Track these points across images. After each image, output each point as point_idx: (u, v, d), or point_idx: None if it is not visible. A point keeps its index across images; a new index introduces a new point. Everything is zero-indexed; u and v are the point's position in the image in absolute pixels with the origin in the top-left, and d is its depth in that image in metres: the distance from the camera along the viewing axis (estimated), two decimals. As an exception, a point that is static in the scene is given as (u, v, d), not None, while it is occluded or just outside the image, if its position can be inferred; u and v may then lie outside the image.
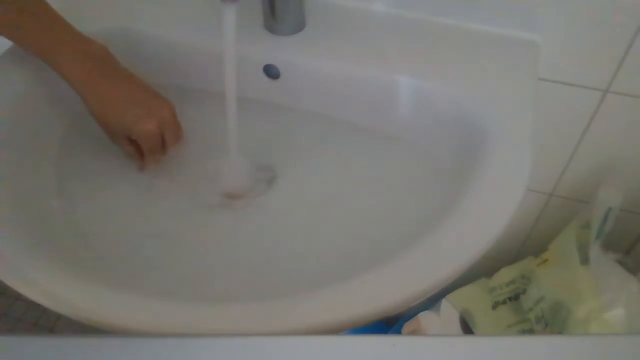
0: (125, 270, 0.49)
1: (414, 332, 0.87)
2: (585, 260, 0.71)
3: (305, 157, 0.59)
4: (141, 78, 0.54)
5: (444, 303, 0.87)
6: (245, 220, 0.55)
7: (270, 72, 0.58)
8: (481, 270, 0.90)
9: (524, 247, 0.88)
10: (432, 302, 0.90)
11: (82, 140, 0.58)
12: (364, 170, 0.57)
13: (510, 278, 0.85)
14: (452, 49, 0.57)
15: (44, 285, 0.40)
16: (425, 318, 0.88)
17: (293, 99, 0.60)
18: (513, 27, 0.57)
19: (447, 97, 0.53)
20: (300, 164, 0.58)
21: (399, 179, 0.56)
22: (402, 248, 0.42)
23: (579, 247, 0.72)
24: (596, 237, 0.70)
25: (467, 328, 0.85)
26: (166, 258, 0.52)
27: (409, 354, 0.29)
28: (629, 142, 0.67)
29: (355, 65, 0.55)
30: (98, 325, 0.39)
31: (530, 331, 0.79)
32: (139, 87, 0.54)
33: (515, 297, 0.84)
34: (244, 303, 0.39)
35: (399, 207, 0.53)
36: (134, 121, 0.52)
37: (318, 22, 0.59)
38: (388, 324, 0.99)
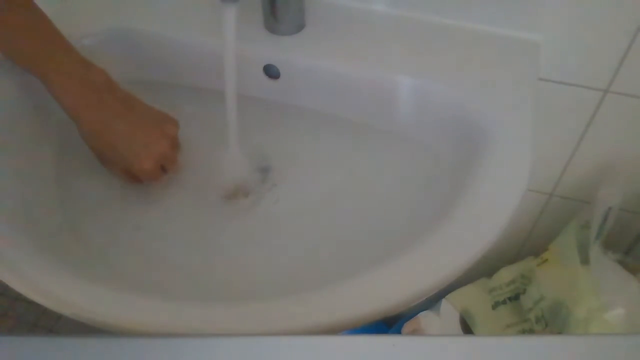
0: (125, 270, 0.50)
1: (414, 332, 0.87)
2: (585, 260, 0.71)
3: (306, 156, 0.59)
4: (141, 100, 0.53)
5: (444, 303, 0.87)
6: (245, 219, 0.55)
7: (270, 72, 0.58)
8: (481, 270, 0.90)
9: (524, 247, 0.88)
10: (432, 302, 0.90)
11: (81, 141, 0.58)
12: (364, 169, 0.57)
13: (510, 278, 0.85)
14: (452, 48, 0.57)
15: (44, 285, 0.40)
16: (425, 318, 0.88)
17: (293, 99, 0.60)
18: (513, 27, 0.57)
19: (447, 96, 0.53)
20: (301, 163, 0.59)
21: (399, 178, 0.56)
22: (402, 248, 0.42)
23: (579, 247, 0.72)
24: (596, 237, 0.70)
25: (467, 328, 0.85)
26: (166, 258, 0.52)
27: (409, 354, 0.29)
28: (629, 142, 0.67)
29: (355, 65, 0.55)
30: (98, 325, 0.39)
31: (530, 331, 0.79)
32: (137, 117, 0.51)
33: (515, 297, 0.84)
34: (244, 303, 0.39)
35: (399, 207, 0.53)
36: (131, 160, 0.51)
37: (318, 22, 0.59)
38: (388, 324, 0.99)
